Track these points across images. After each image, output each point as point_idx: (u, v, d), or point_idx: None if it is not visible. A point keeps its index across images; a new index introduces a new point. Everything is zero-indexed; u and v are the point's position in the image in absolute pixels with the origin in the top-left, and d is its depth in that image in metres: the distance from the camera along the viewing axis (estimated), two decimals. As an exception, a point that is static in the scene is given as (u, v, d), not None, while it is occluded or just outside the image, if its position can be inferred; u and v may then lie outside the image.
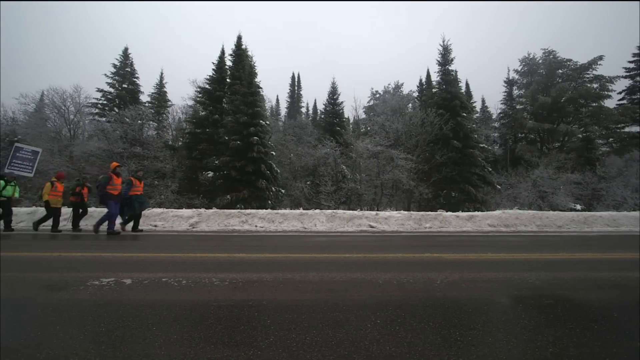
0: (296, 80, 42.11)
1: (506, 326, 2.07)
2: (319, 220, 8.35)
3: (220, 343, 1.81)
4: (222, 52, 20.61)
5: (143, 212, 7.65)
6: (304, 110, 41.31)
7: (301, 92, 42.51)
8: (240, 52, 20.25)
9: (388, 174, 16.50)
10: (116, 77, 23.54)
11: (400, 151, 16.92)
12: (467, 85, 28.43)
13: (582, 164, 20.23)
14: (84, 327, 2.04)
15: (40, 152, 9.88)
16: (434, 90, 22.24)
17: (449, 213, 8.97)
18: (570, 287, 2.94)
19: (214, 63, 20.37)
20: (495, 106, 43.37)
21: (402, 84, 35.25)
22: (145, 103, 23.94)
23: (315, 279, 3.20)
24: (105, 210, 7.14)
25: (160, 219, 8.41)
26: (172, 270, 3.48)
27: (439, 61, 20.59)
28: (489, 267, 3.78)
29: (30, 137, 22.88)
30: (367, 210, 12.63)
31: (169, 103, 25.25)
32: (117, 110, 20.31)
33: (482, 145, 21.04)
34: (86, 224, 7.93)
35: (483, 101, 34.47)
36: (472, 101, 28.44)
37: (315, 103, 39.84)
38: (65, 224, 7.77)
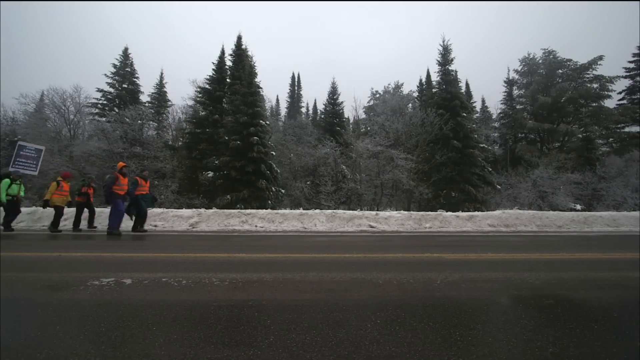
0: (296, 80, 42.19)
1: (506, 326, 2.07)
2: (319, 220, 8.35)
3: (220, 343, 1.81)
4: (222, 52, 20.63)
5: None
6: (304, 110, 41.37)
7: (301, 92, 42.61)
8: (240, 52, 20.26)
9: (388, 174, 16.49)
10: (116, 77, 23.54)
11: (400, 151, 16.91)
12: (467, 85, 28.49)
13: (582, 164, 20.22)
14: (84, 327, 2.04)
15: (43, 149, 9.88)
16: (434, 90, 22.26)
17: (449, 213, 8.97)
18: (570, 287, 2.94)
19: (214, 63, 20.40)
20: (495, 106, 43.42)
21: (402, 84, 35.30)
22: (145, 103, 23.94)
23: (315, 279, 3.20)
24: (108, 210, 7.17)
25: (160, 219, 8.41)
26: (172, 270, 3.48)
27: (439, 61, 20.61)
28: (489, 267, 3.78)
29: (30, 137, 22.86)
30: (367, 210, 12.63)
31: (169, 103, 25.28)
32: (117, 110, 20.31)
33: (482, 145, 21.06)
34: (99, 223, 8.08)
35: (483, 101, 34.53)
36: (472, 101, 28.46)
37: (315, 103, 39.94)
38: (65, 224, 7.77)
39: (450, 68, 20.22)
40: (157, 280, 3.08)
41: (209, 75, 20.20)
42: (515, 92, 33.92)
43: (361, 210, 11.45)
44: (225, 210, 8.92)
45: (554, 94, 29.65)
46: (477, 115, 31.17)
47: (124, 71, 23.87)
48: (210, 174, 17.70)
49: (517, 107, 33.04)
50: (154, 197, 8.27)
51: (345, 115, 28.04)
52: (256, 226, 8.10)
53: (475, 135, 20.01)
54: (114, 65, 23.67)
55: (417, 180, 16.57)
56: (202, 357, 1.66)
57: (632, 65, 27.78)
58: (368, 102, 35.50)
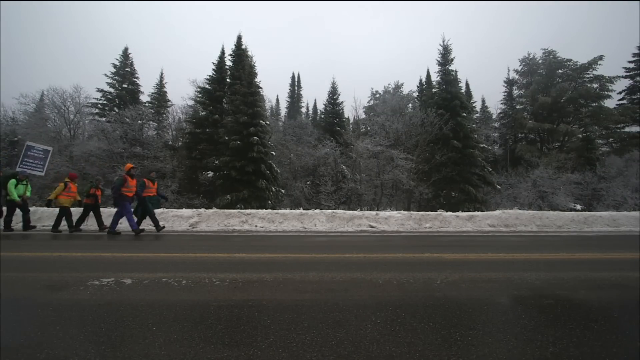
0: (296, 80, 42.18)
1: (506, 326, 2.07)
2: (319, 220, 8.35)
3: (220, 343, 1.81)
4: (222, 52, 20.63)
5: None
6: (304, 110, 41.35)
7: (301, 92, 42.59)
8: (240, 52, 20.26)
9: (388, 174, 16.49)
10: (116, 77, 23.54)
11: (400, 151, 16.92)
12: (467, 85, 28.48)
13: (582, 164, 20.22)
14: (84, 327, 2.04)
15: (51, 150, 9.90)
16: (434, 90, 22.26)
17: (449, 213, 8.97)
18: (570, 287, 2.94)
19: (214, 63, 20.40)
20: (495, 106, 43.49)
21: (402, 84, 35.30)
22: (145, 103, 23.94)
23: (315, 279, 3.20)
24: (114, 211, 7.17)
25: (160, 219, 8.38)
26: (172, 270, 3.48)
27: (439, 61, 20.61)
28: (489, 267, 3.78)
29: (30, 137, 22.85)
30: (367, 210, 12.63)
31: (169, 103, 25.27)
32: (117, 110, 20.32)
33: (482, 145, 21.06)
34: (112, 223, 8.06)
35: (483, 101, 34.53)
36: (472, 101, 28.45)
37: (315, 103, 39.93)
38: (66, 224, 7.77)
39: (450, 68, 20.23)
40: (157, 280, 3.08)
41: (209, 75, 20.21)
42: (515, 92, 33.92)
43: (361, 210, 11.45)
44: (225, 210, 8.92)
45: (554, 94, 29.64)
46: (477, 115, 31.17)
47: (124, 71, 23.87)
48: (210, 174, 17.70)
49: (517, 107, 33.04)
50: (163, 196, 8.29)
51: (345, 115, 28.05)
52: (256, 226, 8.10)
53: (475, 135, 20.01)
54: (114, 65, 23.68)
55: (417, 180, 16.57)
56: (202, 357, 1.66)
57: (632, 65, 27.77)
58: (368, 102, 35.54)
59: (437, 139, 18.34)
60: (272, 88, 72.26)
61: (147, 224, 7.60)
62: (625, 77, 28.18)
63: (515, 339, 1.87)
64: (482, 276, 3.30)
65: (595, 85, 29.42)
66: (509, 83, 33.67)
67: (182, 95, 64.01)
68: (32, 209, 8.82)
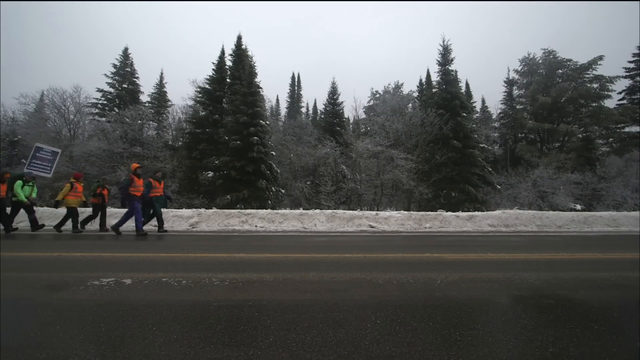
0: (296, 80, 42.19)
1: (506, 326, 2.07)
2: (319, 220, 8.35)
3: (220, 343, 1.81)
4: (222, 52, 20.63)
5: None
6: (304, 110, 41.36)
7: (301, 92, 42.61)
8: (240, 52, 20.26)
9: (388, 174, 16.50)
10: (116, 77, 23.54)
11: (400, 151, 16.92)
12: (467, 85, 28.48)
13: (582, 164, 20.23)
14: (84, 327, 2.04)
15: (60, 152, 9.87)
16: (434, 90, 22.26)
17: (449, 213, 8.97)
18: (570, 287, 2.94)
19: (214, 63, 20.40)
20: (495, 106, 43.41)
21: (402, 84, 35.33)
22: (145, 103, 23.93)
23: (315, 279, 3.20)
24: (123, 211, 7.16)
25: (160, 219, 8.40)
26: (172, 270, 3.48)
27: (439, 61, 20.61)
28: (489, 267, 3.78)
29: (30, 137, 22.91)
30: (367, 210, 12.63)
31: (169, 103, 25.25)
32: (117, 110, 20.32)
33: (482, 145, 21.06)
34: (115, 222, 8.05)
35: (483, 101, 34.54)
36: (472, 101, 28.46)
37: (315, 103, 39.92)
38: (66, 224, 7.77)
39: (450, 68, 20.23)
40: (157, 280, 3.08)
41: (209, 75, 20.21)
42: (515, 92, 33.91)
43: (361, 210, 11.45)
44: (225, 210, 8.92)
45: (554, 94, 29.64)
46: (477, 115, 31.18)
47: (124, 71, 23.86)
48: (210, 174, 17.70)
49: (517, 107, 33.03)
50: (167, 196, 8.29)
51: (345, 115, 28.05)
52: (256, 226, 8.10)
53: (475, 135, 20.02)
54: (114, 65, 23.67)
55: (417, 180, 16.57)
56: (202, 357, 1.66)
57: (632, 65, 27.77)
58: (368, 102, 35.55)
59: (437, 139, 18.34)
60: (272, 88, 72.28)
61: (145, 224, 7.60)
62: (625, 77, 28.18)
63: (515, 339, 1.87)
64: (482, 276, 3.30)
65: (595, 85, 29.41)
66: (509, 83, 33.67)
67: (182, 95, 64.01)
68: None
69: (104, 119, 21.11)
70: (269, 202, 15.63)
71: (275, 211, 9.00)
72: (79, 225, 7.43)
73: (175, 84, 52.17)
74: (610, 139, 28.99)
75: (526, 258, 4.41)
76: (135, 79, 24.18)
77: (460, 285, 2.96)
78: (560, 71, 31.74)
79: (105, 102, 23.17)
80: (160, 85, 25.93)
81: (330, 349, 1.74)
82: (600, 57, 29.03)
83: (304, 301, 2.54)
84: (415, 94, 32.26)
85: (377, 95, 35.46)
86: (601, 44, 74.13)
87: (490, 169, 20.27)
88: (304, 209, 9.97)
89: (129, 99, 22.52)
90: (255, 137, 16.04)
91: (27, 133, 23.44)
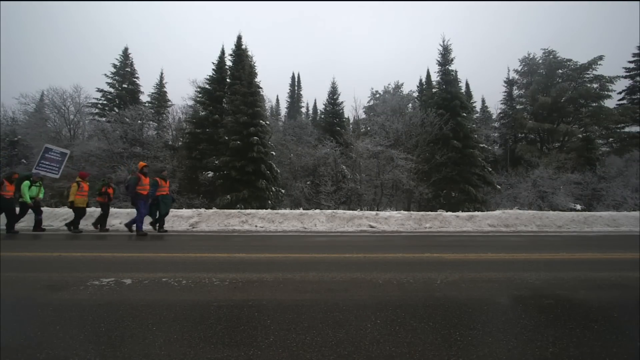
0: (296, 80, 42.18)
1: (506, 326, 2.07)
2: (319, 220, 8.35)
3: (220, 343, 1.81)
4: (222, 52, 20.63)
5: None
6: (304, 110, 41.35)
7: (301, 92, 42.59)
8: (240, 52, 20.26)
9: (388, 174, 16.49)
10: (116, 77, 23.53)
11: (400, 151, 16.92)
12: (467, 85, 28.47)
13: (582, 164, 20.23)
14: (84, 327, 2.04)
15: (68, 153, 9.87)
16: (434, 90, 22.25)
17: (449, 213, 8.97)
18: (570, 287, 2.94)
19: (214, 63, 20.39)
20: (495, 106, 43.43)
21: (402, 84, 35.31)
22: (145, 103, 23.93)
23: (315, 279, 3.20)
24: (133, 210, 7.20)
25: (160, 219, 8.40)
26: (172, 270, 3.48)
27: (439, 61, 20.60)
28: (489, 267, 3.78)
29: (30, 137, 22.94)
30: (367, 210, 12.63)
31: (169, 103, 25.26)
32: (117, 110, 20.31)
33: (482, 145, 21.05)
34: (117, 222, 8.12)
35: (483, 101, 34.51)
36: (472, 101, 28.45)
37: (315, 103, 39.91)
38: (86, 223, 7.79)
39: (450, 68, 20.21)
40: (157, 280, 3.08)
41: (209, 75, 20.20)
42: (515, 92, 33.88)
43: (361, 210, 11.45)
44: (225, 210, 8.92)
45: (554, 94, 29.62)
46: (477, 115, 31.16)
47: (124, 71, 23.85)
48: (210, 174, 17.70)
49: (517, 107, 33.00)
50: (171, 197, 8.30)
51: (345, 115, 28.02)
52: (256, 226, 8.10)
53: (475, 135, 20.00)
54: (114, 65, 23.66)
55: (417, 180, 16.57)
56: (202, 357, 1.66)
57: (632, 65, 27.75)
58: (368, 102, 35.54)
59: (437, 139, 18.33)
60: (272, 88, 72.30)
61: (146, 223, 7.60)
62: (625, 77, 28.16)
63: (515, 339, 1.87)
64: (482, 276, 3.30)
65: (595, 85, 29.39)
66: (509, 83, 33.65)
67: (182, 95, 64.03)
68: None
69: (104, 119, 21.10)
70: (269, 202, 15.63)
71: (275, 211, 9.00)
72: (99, 226, 7.53)
73: (175, 84, 52.19)
74: (610, 139, 28.98)
75: (526, 258, 4.41)
76: (135, 79, 24.17)
77: (460, 285, 2.96)
78: (560, 71, 31.72)
79: (105, 102, 23.17)
80: (160, 85, 25.93)
81: (330, 349, 1.74)
82: (600, 57, 29.02)
83: (304, 301, 2.54)
84: (415, 94, 32.28)
85: (377, 95, 35.46)
86: (601, 44, 74.27)
87: (490, 169, 20.26)
88: (304, 209, 9.97)
89: (129, 99, 22.51)
90: (255, 137, 16.03)
91: (27, 133, 23.45)
